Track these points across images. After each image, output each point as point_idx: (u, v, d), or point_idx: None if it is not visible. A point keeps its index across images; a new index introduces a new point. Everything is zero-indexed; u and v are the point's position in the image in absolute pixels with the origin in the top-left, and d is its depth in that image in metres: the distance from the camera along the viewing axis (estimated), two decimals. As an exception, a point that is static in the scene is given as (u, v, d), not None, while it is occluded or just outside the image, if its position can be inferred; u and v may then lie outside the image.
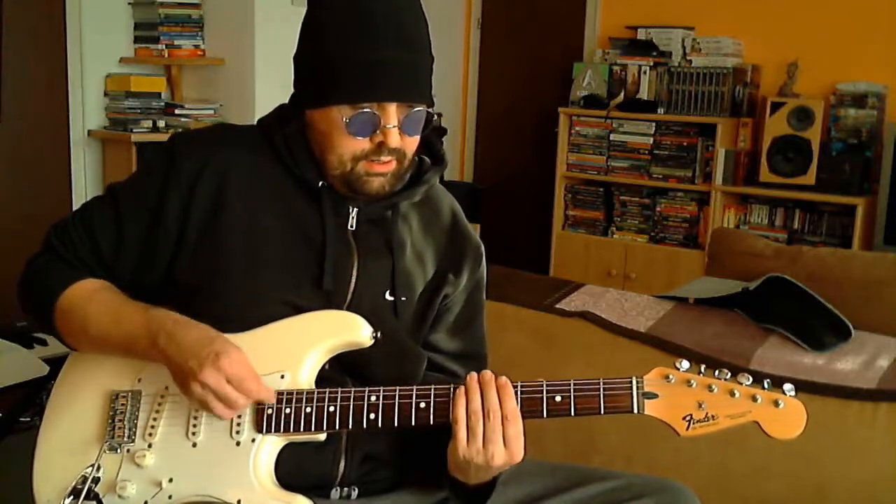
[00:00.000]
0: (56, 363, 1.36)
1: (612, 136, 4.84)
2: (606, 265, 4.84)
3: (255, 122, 1.42)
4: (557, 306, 2.18)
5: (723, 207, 4.58)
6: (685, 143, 4.65)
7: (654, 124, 4.72)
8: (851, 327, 2.01)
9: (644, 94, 4.78)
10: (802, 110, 4.30)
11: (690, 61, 4.67)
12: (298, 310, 1.30)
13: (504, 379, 1.22)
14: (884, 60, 4.33)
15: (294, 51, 1.34)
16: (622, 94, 4.84)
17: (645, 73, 4.76)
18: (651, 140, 4.73)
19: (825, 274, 2.23)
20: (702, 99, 4.57)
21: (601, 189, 4.96)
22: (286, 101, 1.41)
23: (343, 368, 1.32)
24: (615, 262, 4.83)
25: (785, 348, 1.96)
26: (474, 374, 1.23)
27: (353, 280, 1.34)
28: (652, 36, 4.83)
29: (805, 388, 1.74)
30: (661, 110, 4.70)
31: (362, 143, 1.28)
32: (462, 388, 1.22)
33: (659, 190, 4.79)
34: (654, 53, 4.76)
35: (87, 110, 4.40)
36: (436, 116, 1.36)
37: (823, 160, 4.26)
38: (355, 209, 1.35)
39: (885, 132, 4.18)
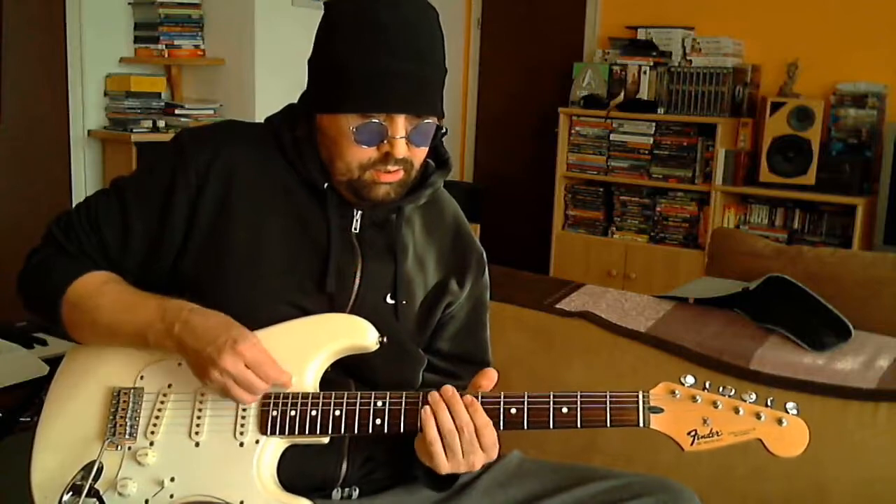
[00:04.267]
0: (56, 363, 1.36)
1: (612, 136, 4.84)
2: (606, 265, 4.84)
3: (257, 122, 1.42)
4: (557, 306, 2.18)
5: (723, 207, 4.58)
6: (685, 143, 4.65)
7: (654, 124, 4.72)
8: (851, 327, 2.01)
9: (644, 94, 4.78)
10: (802, 110, 4.30)
11: (690, 61, 4.67)
12: (302, 311, 1.30)
13: (470, 397, 1.23)
14: (884, 60, 4.33)
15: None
16: (622, 94, 4.84)
17: (645, 73, 4.76)
18: (651, 140, 4.73)
19: (825, 274, 2.23)
20: (702, 99, 4.57)
21: (601, 189, 4.96)
22: (287, 100, 1.41)
23: (345, 371, 1.32)
24: (615, 262, 4.83)
25: (785, 348, 1.95)
26: (435, 393, 1.23)
27: (356, 282, 1.34)
28: (652, 36, 4.83)
29: (805, 388, 1.75)
30: (661, 110, 4.70)
31: (369, 152, 1.28)
32: (427, 409, 1.22)
33: (659, 190, 4.79)
34: (654, 53, 4.76)
35: (87, 110, 4.40)
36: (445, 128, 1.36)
37: (823, 160, 4.26)
38: (359, 212, 1.36)
39: (885, 132, 4.19)
